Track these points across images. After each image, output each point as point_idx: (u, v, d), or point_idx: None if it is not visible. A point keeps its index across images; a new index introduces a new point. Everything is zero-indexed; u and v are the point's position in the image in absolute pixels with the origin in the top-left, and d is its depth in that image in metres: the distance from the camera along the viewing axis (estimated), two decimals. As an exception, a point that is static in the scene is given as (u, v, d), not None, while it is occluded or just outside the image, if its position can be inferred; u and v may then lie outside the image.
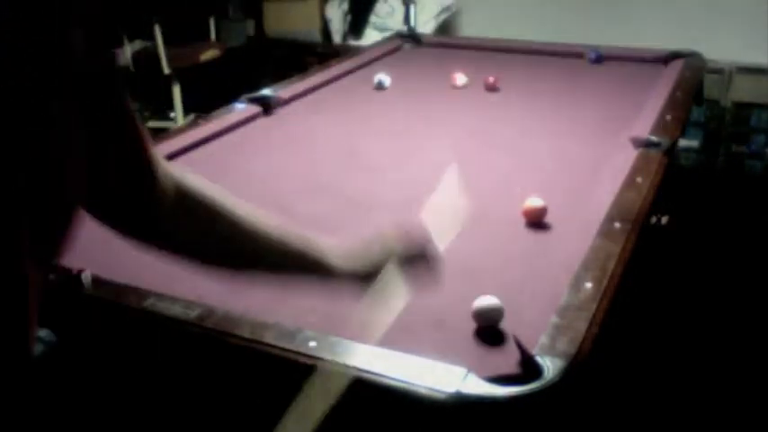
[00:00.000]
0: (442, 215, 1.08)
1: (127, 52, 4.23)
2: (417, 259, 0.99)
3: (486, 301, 1.19)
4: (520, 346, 1.10)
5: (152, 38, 4.20)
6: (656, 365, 2.37)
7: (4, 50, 0.55)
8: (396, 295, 0.95)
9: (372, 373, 1.05)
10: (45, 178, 0.61)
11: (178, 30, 4.37)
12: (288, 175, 1.91)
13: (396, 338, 1.10)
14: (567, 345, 1.10)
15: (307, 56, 4.38)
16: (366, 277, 0.96)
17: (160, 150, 1.91)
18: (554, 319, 1.17)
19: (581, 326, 1.16)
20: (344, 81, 2.72)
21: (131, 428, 1.26)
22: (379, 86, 2.58)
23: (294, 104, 2.43)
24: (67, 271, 1.24)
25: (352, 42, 4.45)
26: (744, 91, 3.91)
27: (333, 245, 0.98)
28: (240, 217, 0.90)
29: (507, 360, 1.10)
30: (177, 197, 0.85)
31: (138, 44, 4.41)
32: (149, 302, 1.19)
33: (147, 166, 0.81)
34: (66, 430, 1.27)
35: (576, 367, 1.06)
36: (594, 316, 1.19)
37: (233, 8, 4.90)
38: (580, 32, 3.63)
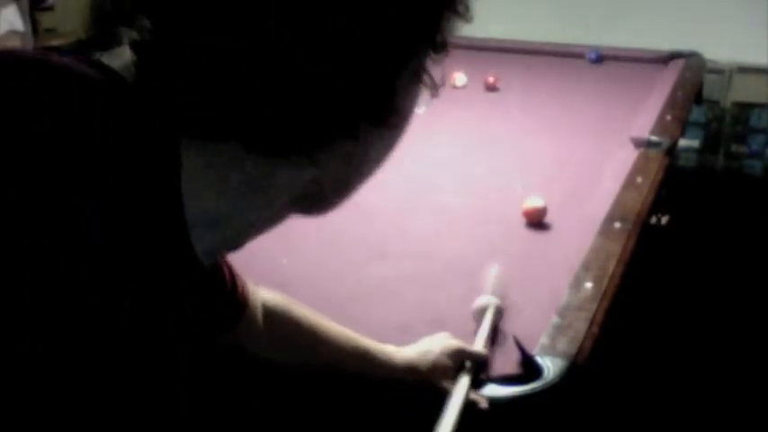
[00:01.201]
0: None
1: (126, 52, 4.23)
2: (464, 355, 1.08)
3: (486, 300, 1.19)
4: (520, 346, 1.10)
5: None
6: (656, 365, 2.37)
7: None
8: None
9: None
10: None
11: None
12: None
13: (396, 338, 1.11)
14: (568, 345, 1.10)
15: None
16: (425, 372, 1.04)
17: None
18: (554, 319, 1.17)
19: (581, 326, 1.15)
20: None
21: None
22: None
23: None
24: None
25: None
26: (744, 91, 3.91)
27: (394, 349, 1.07)
28: (319, 332, 1.01)
29: (507, 360, 1.10)
30: (264, 320, 0.94)
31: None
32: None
33: (234, 307, 0.87)
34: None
35: (576, 367, 1.06)
36: (595, 316, 1.19)
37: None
38: (580, 32, 3.63)
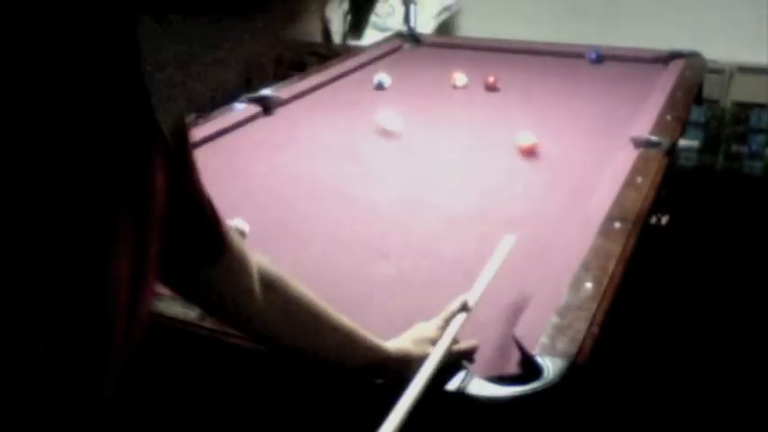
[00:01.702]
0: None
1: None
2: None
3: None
4: (520, 346, 1.10)
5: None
6: (655, 365, 2.37)
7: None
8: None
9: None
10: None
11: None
12: (287, 175, 1.91)
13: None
14: (568, 345, 1.10)
15: (307, 56, 4.38)
16: (420, 355, 1.03)
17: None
18: (554, 319, 1.17)
19: (581, 326, 1.16)
20: (344, 81, 2.72)
21: (131, 429, 1.26)
22: (379, 86, 2.58)
23: (294, 104, 2.43)
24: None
25: (352, 42, 4.45)
26: (744, 91, 3.91)
27: (385, 343, 1.06)
28: (316, 310, 0.98)
29: (507, 360, 1.10)
30: (263, 288, 0.91)
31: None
32: (149, 302, 1.19)
33: (214, 239, 0.85)
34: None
35: (576, 367, 1.06)
36: (594, 316, 1.19)
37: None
38: (580, 32, 3.63)
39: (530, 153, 1.99)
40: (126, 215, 0.59)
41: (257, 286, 0.91)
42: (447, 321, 1.09)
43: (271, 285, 0.93)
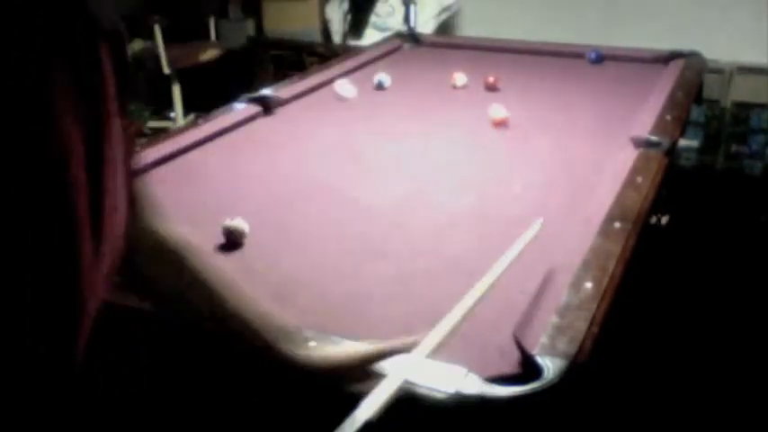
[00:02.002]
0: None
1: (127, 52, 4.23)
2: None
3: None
4: (520, 346, 1.10)
5: (152, 38, 4.20)
6: (656, 365, 2.37)
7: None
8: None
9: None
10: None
11: (178, 30, 4.37)
12: (287, 175, 1.91)
13: (396, 338, 1.10)
14: (567, 345, 1.10)
15: (307, 56, 4.39)
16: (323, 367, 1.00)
17: (160, 151, 1.90)
18: (554, 319, 1.17)
19: (581, 326, 1.16)
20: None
21: (132, 428, 1.26)
22: (379, 86, 2.58)
23: (294, 104, 2.43)
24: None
25: (352, 42, 4.45)
26: (744, 91, 3.91)
27: (294, 333, 1.01)
28: (205, 277, 0.95)
29: (507, 360, 1.10)
30: (158, 244, 0.90)
31: (138, 44, 4.41)
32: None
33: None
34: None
35: (576, 367, 1.06)
36: (594, 316, 1.19)
37: (233, 8, 4.90)
38: (580, 32, 3.63)
39: (501, 125, 2.20)
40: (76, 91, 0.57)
41: (161, 239, 0.90)
42: (381, 355, 1.01)
43: (175, 247, 0.91)
